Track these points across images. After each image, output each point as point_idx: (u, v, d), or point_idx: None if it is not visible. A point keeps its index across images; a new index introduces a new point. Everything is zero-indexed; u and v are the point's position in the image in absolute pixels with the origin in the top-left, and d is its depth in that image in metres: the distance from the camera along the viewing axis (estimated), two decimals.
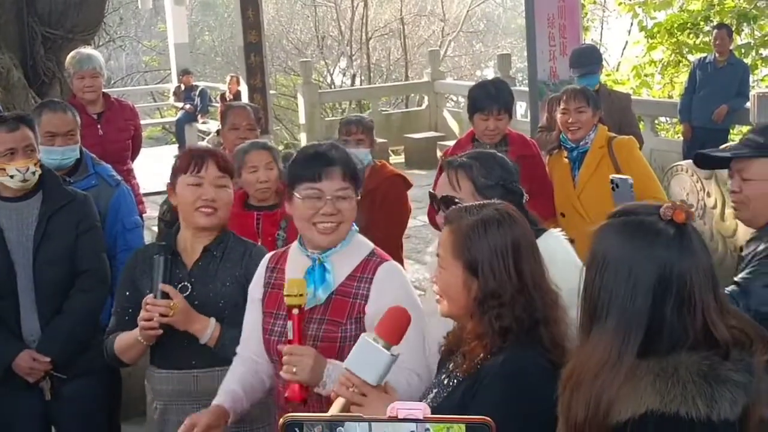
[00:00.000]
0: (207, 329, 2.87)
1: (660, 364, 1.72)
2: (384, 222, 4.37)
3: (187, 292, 2.92)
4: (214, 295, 2.93)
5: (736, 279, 2.73)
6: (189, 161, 2.96)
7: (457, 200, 2.61)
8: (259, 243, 3.68)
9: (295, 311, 2.37)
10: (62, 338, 3.45)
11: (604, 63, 14.65)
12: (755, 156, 2.77)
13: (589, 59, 6.27)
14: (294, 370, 2.35)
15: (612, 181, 2.89)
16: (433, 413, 1.36)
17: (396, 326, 1.93)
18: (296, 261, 2.64)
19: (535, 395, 1.97)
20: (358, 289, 2.55)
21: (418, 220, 6.26)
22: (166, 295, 2.83)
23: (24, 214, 3.47)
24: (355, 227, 2.65)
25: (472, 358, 2.08)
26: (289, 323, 2.38)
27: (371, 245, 2.67)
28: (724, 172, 5.33)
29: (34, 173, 3.44)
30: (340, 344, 2.50)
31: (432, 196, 2.88)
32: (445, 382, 2.15)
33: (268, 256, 2.83)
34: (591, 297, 1.83)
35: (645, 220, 1.81)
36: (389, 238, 4.46)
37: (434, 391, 2.18)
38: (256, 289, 2.75)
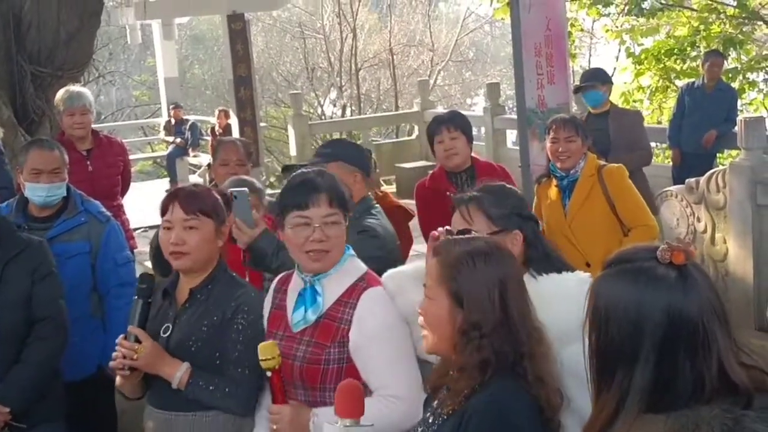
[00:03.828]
0: (176, 373, 2.79)
1: (679, 420, 1.59)
2: None
3: (168, 333, 2.89)
4: (189, 339, 2.85)
5: None
6: (163, 203, 2.93)
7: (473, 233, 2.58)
8: (247, 275, 3.67)
9: (269, 373, 2.55)
10: (21, 388, 3.37)
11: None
12: (327, 162, 3.51)
13: (593, 75, 6.27)
14: (275, 427, 2.54)
15: (231, 193, 3.04)
16: None
17: (351, 401, 1.95)
18: (295, 283, 2.74)
19: None
20: (343, 314, 2.60)
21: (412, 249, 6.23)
22: (137, 338, 2.82)
23: None
24: (351, 251, 2.70)
25: (456, 392, 2.06)
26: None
27: (364, 269, 2.71)
28: (714, 197, 5.38)
29: None
30: (324, 367, 2.58)
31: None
32: (430, 420, 2.13)
33: (278, 278, 2.90)
34: (597, 356, 1.71)
35: (643, 267, 1.69)
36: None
37: (420, 429, 2.16)
38: (265, 310, 2.82)
